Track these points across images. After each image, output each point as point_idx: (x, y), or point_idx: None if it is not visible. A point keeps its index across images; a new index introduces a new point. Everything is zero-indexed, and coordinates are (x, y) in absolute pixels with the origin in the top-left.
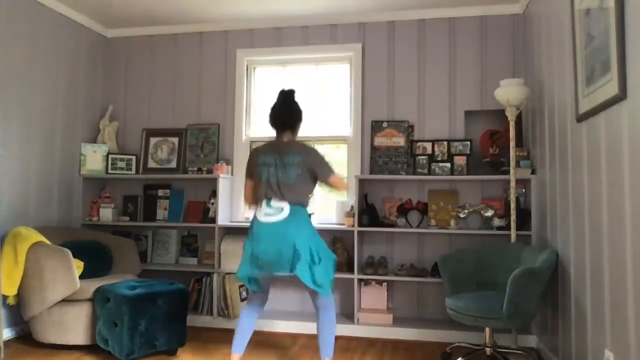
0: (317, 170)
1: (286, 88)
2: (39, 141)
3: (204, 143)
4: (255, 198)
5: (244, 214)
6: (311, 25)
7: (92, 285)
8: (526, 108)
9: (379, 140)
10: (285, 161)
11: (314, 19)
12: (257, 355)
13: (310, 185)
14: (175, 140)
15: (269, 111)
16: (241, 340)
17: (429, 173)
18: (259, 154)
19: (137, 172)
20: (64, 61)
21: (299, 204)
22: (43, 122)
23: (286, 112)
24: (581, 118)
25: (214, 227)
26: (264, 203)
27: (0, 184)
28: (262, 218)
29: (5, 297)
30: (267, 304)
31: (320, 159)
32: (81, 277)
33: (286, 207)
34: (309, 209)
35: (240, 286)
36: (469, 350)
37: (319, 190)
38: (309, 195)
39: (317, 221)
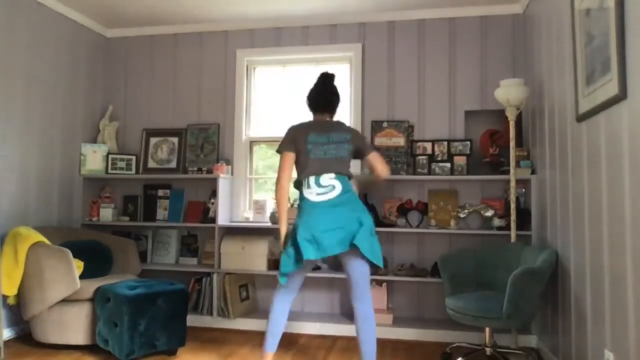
0: (361, 146)
1: (328, 72)
2: (39, 141)
3: (204, 143)
4: (299, 175)
5: (243, 214)
6: (311, 25)
7: (92, 285)
8: (526, 108)
9: (379, 140)
10: (337, 138)
11: (314, 19)
12: (257, 355)
13: (351, 161)
14: (175, 140)
15: (308, 93)
16: (275, 338)
17: (429, 173)
18: (309, 133)
19: (137, 172)
20: (64, 61)
21: (348, 176)
22: (43, 122)
23: (332, 95)
24: (581, 118)
25: (214, 227)
26: (312, 181)
27: (0, 184)
28: (315, 198)
29: (5, 297)
30: (266, 304)
31: (362, 136)
32: (81, 277)
33: (337, 184)
34: None
35: (240, 286)
36: (469, 350)
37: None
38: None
39: None
